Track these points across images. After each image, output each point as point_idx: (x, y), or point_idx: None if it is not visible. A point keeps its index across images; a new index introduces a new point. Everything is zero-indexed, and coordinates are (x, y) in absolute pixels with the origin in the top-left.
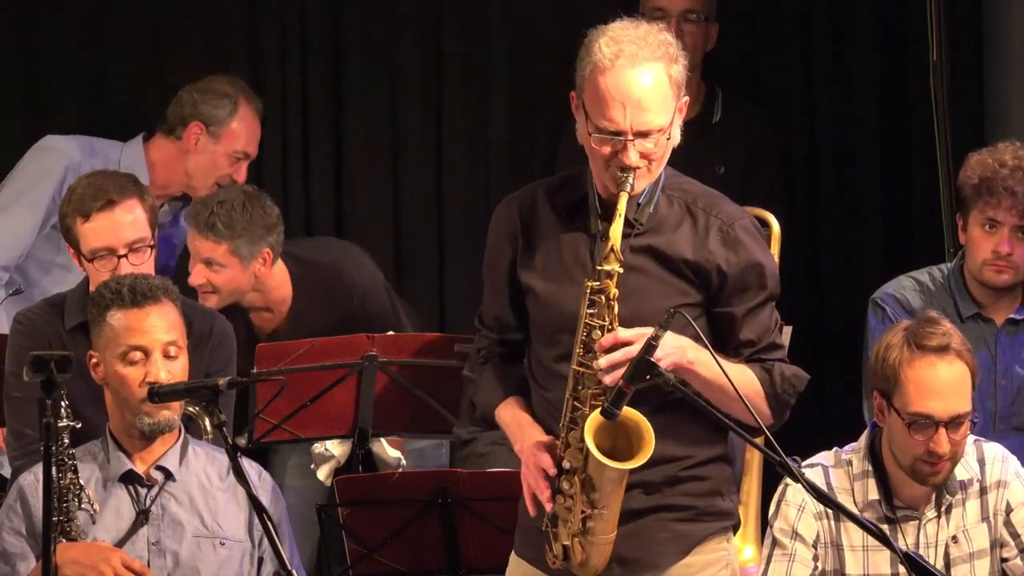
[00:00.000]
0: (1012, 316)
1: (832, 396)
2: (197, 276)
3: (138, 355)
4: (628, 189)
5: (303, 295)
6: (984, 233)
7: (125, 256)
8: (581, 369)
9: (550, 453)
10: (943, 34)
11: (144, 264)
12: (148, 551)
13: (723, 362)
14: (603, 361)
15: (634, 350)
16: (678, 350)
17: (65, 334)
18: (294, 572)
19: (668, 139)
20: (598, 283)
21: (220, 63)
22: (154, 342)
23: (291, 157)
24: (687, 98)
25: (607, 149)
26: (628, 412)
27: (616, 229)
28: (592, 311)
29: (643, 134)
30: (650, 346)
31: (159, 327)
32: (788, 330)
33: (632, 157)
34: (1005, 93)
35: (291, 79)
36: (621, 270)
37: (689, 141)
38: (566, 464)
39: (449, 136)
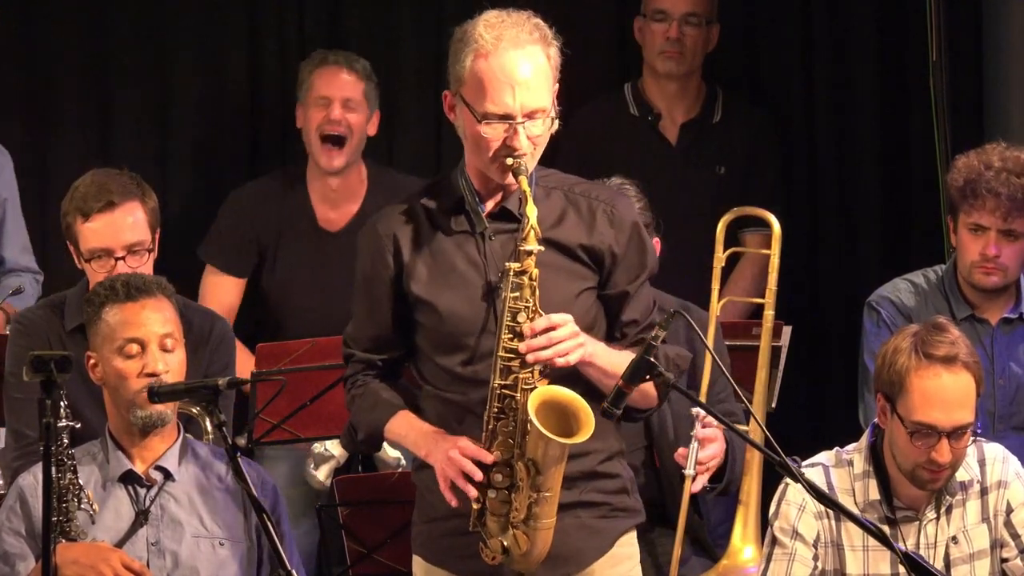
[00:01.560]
0: (1006, 315)
1: (831, 396)
2: (335, 112)
3: (135, 348)
4: (525, 172)
5: (375, 196)
6: (971, 236)
7: (123, 258)
8: (509, 355)
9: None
10: (943, 34)
11: (142, 267)
12: (147, 551)
13: (613, 350)
14: (541, 340)
15: (558, 336)
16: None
17: (65, 335)
18: (294, 572)
19: (552, 121)
20: (519, 264)
21: (220, 62)
22: (150, 334)
23: (289, 155)
24: (557, 86)
25: (498, 135)
26: (560, 391)
27: (531, 208)
28: (515, 294)
29: (531, 115)
30: (650, 346)
31: (154, 320)
32: (788, 330)
33: (523, 141)
34: (1005, 93)
35: (289, 77)
36: (542, 248)
37: (689, 141)
38: (495, 456)
39: (447, 133)
